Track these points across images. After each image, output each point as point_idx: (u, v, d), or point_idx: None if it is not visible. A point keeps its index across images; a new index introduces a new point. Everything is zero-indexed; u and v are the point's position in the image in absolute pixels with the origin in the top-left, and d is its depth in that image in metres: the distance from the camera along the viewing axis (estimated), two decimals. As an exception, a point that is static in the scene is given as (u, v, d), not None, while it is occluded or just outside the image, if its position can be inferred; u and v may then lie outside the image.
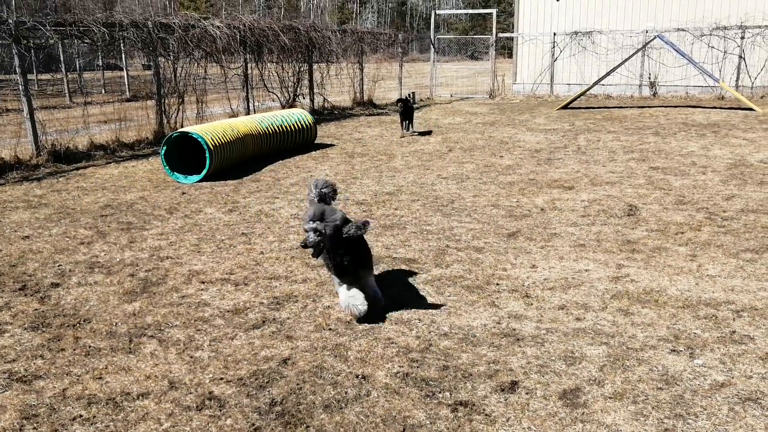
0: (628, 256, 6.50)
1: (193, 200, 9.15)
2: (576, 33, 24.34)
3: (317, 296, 5.63)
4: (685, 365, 4.33)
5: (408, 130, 15.20)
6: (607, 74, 20.56)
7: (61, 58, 25.15)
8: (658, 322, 4.99)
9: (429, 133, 15.62)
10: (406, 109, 15.01)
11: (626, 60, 20.57)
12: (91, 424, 3.77)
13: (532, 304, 5.38)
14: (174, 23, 13.76)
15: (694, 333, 4.80)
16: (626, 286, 5.72)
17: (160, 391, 4.12)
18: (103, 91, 26.94)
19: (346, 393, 4.07)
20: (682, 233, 7.20)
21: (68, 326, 5.11)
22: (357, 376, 4.27)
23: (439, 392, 4.06)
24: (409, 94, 15.98)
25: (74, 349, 4.72)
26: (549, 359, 4.45)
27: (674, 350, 4.54)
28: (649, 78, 23.58)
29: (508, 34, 29.06)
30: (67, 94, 24.18)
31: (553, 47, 24.71)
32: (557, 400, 3.95)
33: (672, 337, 4.73)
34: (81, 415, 3.85)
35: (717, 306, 5.27)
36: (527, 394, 4.03)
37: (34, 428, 3.74)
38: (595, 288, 5.70)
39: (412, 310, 5.31)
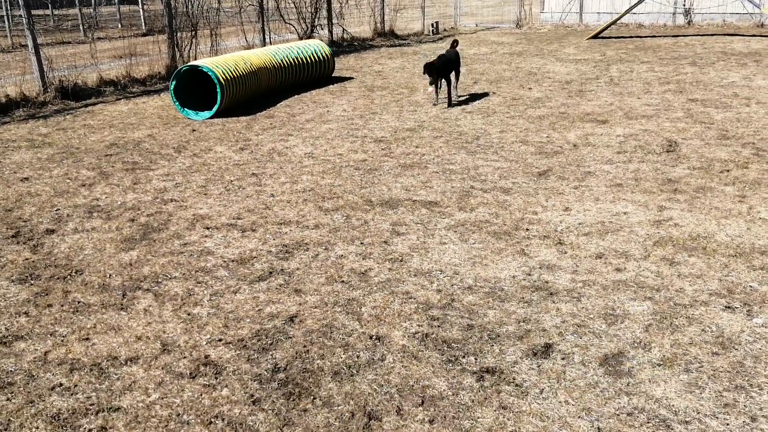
0: (670, 197, 5.93)
1: (203, 138, 8.65)
2: (607, -42, 23.18)
3: (330, 244, 5.16)
4: (743, 325, 3.81)
5: (449, 94, 10.28)
6: (639, 2, 19.54)
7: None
8: (708, 273, 4.46)
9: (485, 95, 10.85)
10: (443, 62, 9.93)
11: (661, -14, 19.52)
12: (72, 394, 3.35)
13: (566, 252, 4.87)
14: (184, -50, 13.05)
15: (750, 286, 4.27)
16: (670, 231, 5.18)
17: (151, 354, 3.70)
18: (120, 26, 26.28)
19: (358, 357, 3.62)
20: (728, 171, 6.60)
21: (58, 278, 4.70)
22: (371, 337, 3.80)
23: (463, 357, 3.59)
24: (453, 41, 10.85)
25: (62, 305, 4.30)
26: (587, 317, 3.95)
27: (729, 307, 4.02)
28: (684, 5, 22.47)
29: (535, -39, 27.80)
30: (81, 30, 23.59)
31: (583, -27, 23.59)
32: (598, 367, 3.46)
33: (725, 291, 4.21)
34: (61, 384, 3.44)
35: (773, 254, 4.72)
36: (563, 359, 3.54)
37: (8, 399, 3.33)
38: (635, 233, 5.17)
39: (434, 259, 4.82)
